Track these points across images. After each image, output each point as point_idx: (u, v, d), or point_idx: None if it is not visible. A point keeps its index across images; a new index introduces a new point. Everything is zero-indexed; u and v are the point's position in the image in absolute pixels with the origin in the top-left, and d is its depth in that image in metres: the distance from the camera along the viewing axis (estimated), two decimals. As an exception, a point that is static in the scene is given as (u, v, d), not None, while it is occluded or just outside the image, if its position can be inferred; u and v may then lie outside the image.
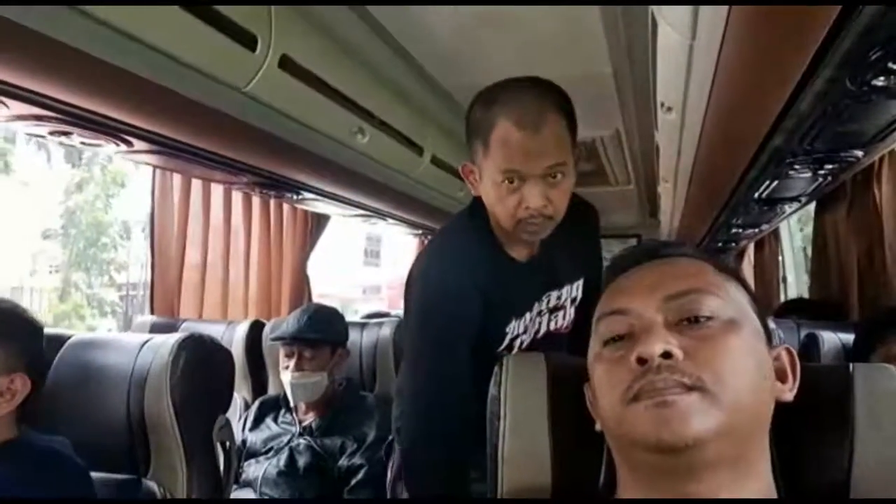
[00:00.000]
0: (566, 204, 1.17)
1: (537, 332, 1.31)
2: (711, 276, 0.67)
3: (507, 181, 1.11)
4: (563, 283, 1.34)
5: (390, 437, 1.50)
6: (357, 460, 1.85)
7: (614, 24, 1.80)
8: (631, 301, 0.66)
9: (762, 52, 1.20)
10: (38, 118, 1.41)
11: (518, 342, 1.28)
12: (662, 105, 1.90)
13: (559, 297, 1.33)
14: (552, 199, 1.13)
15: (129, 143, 1.66)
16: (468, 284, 1.18)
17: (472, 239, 1.25)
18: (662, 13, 1.34)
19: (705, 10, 1.20)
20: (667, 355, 0.59)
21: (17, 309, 1.11)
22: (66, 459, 1.09)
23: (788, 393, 0.66)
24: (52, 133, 1.53)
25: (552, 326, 1.33)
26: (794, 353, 0.68)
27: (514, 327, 1.26)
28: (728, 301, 0.65)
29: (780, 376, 0.66)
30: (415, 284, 1.24)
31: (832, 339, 1.70)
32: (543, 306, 1.32)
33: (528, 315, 1.28)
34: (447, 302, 1.18)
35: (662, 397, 0.58)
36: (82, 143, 1.63)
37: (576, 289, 1.36)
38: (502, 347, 1.26)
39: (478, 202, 1.25)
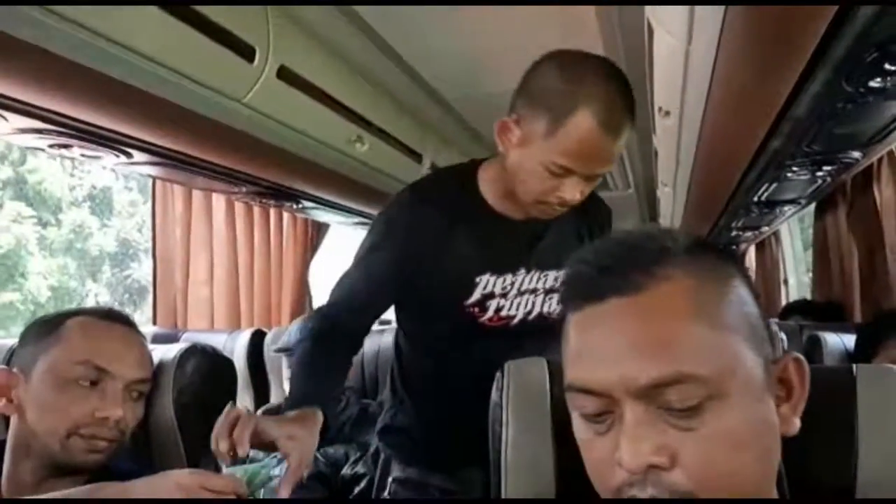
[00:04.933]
0: None
1: (529, 311, 1.24)
2: (694, 325, 0.53)
3: (555, 172, 1.07)
4: (562, 266, 1.26)
5: (375, 446, 1.49)
6: (360, 469, 1.84)
7: (611, 31, 1.80)
8: (598, 377, 0.55)
9: (758, 55, 1.21)
10: (38, 131, 1.42)
11: (495, 304, 1.21)
12: (660, 109, 1.91)
13: (556, 279, 1.23)
14: (584, 193, 1.11)
15: (128, 155, 1.66)
16: (429, 217, 1.17)
17: (452, 183, 1.23)
18: (658, 18, 1.34)
19: (701, 15, 1.21)
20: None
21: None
22: None
23: (794, 420, 0.58)
24: (51, 146, 1.53)
25: (545, 309, 1.25)
26: (803, 362, 0.59)
27: (487, 281, 1.20)
28: (717, 356, 0.53)
29: (786, 391, 0.58)
30: (388, 204, 1.25)
31: (835, 341, 1.69)
32: (538, 283, 1.24)
33: (509, 276, 1.21)
34: (397, 225, 1.19)
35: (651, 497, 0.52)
36: (82, 155, 1.63)
37: None
38: (472, 301, 1.20)
39: (458, 167, 1.27)
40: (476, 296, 1.20)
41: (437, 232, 1.17)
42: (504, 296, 1.22)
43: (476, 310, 1.21)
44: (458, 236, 1.18)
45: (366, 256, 1.20)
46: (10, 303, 7.40)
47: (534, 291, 1.24)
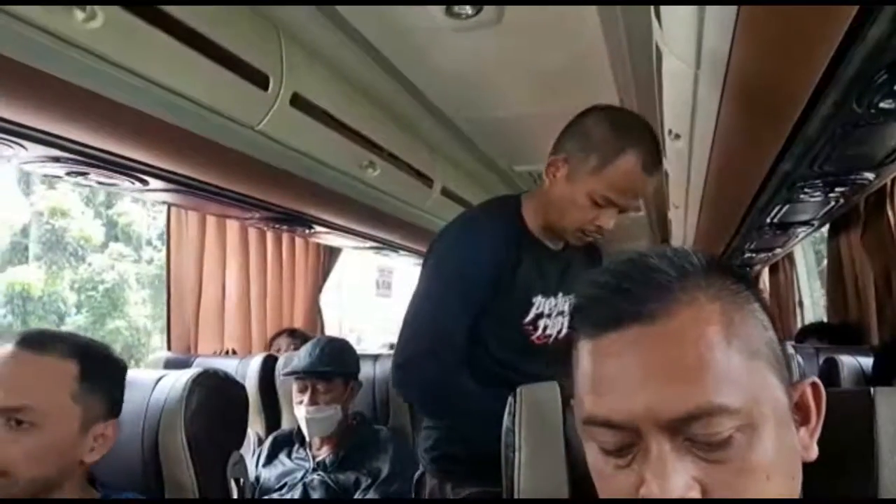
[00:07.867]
0: None
1: (559, 331, 1.38)
2: (724, 352, 0.50)
3: (598, 202, 1.24)
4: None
5: (420, 471, 1.48)
6: (371, 495, 1.82)
7: (620, 56, 1.82)
8: (621, 410, 0.51)
9: (767, 78, 1.21)
10: (56, 159, 1.45)
11: (543, 323, 1.35)
12: (670, 132, 1.91)
13: None
14: (613, 222, 1.29)
15: (144, 182, 1.69)
16: (494, 246, 1.30)
17: (504, 216, 1.36)
18: (667, 42, 1.36)
19: (709, 39, 1.21)
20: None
21: (111, 353, 1.07)
22: None
23: (813, 446, 0.57)
24: (68, 174, 1.56)
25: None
26: (821, 387, 0.57)
27: (540, 302, 1.35)
28: (747, 385, 0.51)
29: (803, 416, 0.57)
30: (443, 236, 1.36)
31: (852, 364, 1.67)
32: (565, 307, 1.39)
33: (553, 300, 1.36)
34: (470, 252, 1.30)
35: None
36: (98, 182, 1.66)
37: None
38: (528, 320, 1.34)
39: (503, 200, 1.41)
40: (531, 315, 1.34)
41: (508, 256, 1.31)
42: (549, 316, 1.37)
43: (530, 328, 1.35)
44: (522, 261, 1.32)
45: (450, 286, 1.29)
46: (116, 328, 8.96)
47: (562, 313, 1.39)
